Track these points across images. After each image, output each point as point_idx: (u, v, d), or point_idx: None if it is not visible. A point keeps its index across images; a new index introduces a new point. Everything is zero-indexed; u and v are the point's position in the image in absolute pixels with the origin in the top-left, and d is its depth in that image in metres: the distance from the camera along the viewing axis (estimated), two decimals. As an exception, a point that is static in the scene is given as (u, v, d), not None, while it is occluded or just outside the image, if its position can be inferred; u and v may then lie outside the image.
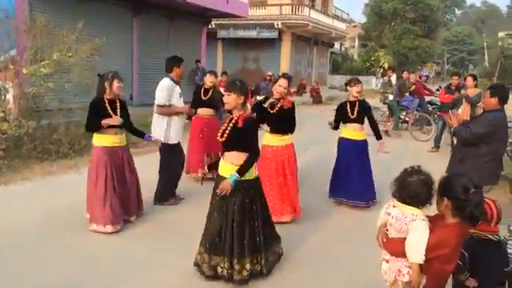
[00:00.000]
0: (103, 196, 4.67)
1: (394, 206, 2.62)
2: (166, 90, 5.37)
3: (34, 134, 7.50)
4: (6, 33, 8.08)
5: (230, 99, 3.56)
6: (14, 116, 7.54)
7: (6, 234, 4.55)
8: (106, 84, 4.70)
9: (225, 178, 3.52)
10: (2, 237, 4.48)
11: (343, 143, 5.80)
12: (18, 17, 8.63)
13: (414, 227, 2.48)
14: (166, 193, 5.72)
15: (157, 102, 5.38)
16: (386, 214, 2.66)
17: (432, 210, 2.57)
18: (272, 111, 4.97)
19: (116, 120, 4.67)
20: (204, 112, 6.79)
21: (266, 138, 5.12)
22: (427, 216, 2.58)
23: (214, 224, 3.65)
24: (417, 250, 2.45)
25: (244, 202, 3.59)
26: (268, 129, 5.11)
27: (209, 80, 6.85)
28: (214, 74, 7.05)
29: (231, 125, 3.58)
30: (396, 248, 2.56)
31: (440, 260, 2.42)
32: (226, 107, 3.65)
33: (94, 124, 4.68)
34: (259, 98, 13.12)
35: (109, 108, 4.70)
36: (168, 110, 5.42)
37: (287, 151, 5.11)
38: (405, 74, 12.76)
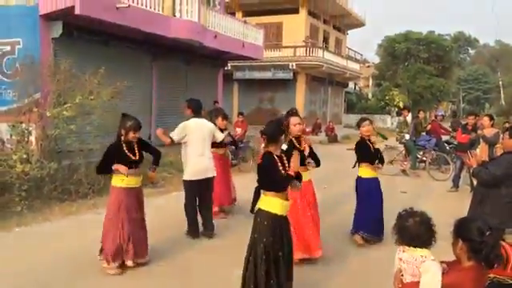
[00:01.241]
0: (116, 233, 4.74)
1: (403, 251, 2.62)
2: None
3: (55, 174, 7.65)
4: (32, 77, 8.42)
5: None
6: (36, 157, 7.72)
7: (23, 273, 4.59)
8: (123, 131, 4.85)
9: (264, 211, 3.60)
10: (20, 276, 4.51)
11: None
12: (43, 62, 8.97)
13: (425, 269, 2.47)
14: (189, 227, 6.02)
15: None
16: (398, 260, 2.66)
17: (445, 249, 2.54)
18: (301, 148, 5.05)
19: (124, 169, 4.75)
20: (217, 151, 7.02)
21: None
22: (444, 262, 2.56)
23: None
24: None
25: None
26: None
27: (221, 123, 7.10)
28: (226, 117, 7.32)
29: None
30: None
31: None
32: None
33: (104, 168, 4.88)
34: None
35: (126, 150, 4.83)
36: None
37: (310, 186, 5.26)
38: (421, 114, 12.80)
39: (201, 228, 6.10)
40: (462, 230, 2.46)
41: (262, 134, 3.77)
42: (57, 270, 4.77)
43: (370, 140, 5.83)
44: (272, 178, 3.61)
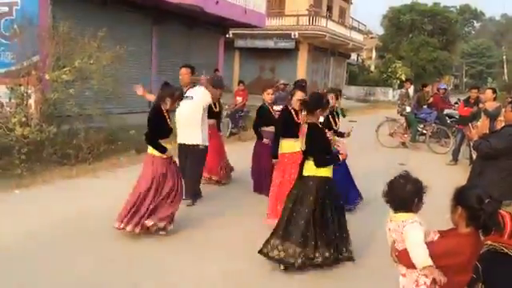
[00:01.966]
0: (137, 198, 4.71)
1: (390, 221, 2.64)
2: None
3: (54, 138, 7.64)
4: (30, 40, 8.28)
5: None
6: (35, 121, 7.70)
7: (23, 235, 4.64)
8: (168, 100, 4.81)
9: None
10: (20, 237, 4.56)
11: None
12: (41, 24, 8.82)
13: (405, 235, 2.50)
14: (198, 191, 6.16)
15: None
16: (388, 231, 2.68)
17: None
18: (298, 120, 5.25)
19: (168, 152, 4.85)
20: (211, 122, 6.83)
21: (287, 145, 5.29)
22: (440, 230, 2.57)
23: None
24: (417, 254, 2.43)
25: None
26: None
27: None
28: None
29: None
30: (407, 259, 2.52)
31: (454, 270, 2.40)
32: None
33: (155, 137, 4.78)
34: (276, 107, 13.13)
35: (167, 117, 4.86)
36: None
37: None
38: (427, 88, 12.65)
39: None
40: (461, 197, 2.47)
41: (305, 104, 4.26)
42: (56, 231, 4.82)
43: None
44: (324, 146, 4.16)
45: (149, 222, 4.70)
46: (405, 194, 2.53)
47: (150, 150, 4.84)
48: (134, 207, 4.67)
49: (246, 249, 4.53)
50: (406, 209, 2.55)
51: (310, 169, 4.15)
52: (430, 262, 2.39)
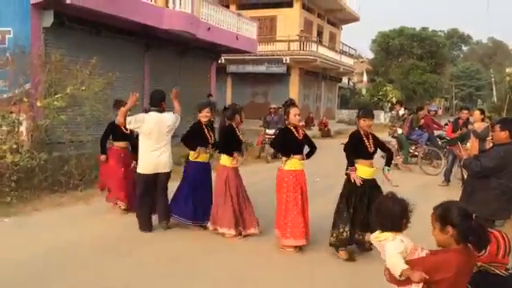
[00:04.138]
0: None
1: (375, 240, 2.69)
2: None
3: (45, 165, 7.59)
4: (22, 67, 8.32)
5: None
6: (26, 148, 7.66)
7: (12, 263, 4.55)
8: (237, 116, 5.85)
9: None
10: (7, 267, 4.47)
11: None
12: (33, 52, 8.87)
13: (386, 253, 2.54)
14: (138, 220, 5.92)
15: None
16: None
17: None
18: (300, 137, 5.30)
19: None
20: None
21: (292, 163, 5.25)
22: (432, 251, 2.56)
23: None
24: (393, 263, 2.46)
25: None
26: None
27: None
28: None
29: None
30: (393, 277, 2.51)
31: (444, 286, 2.36)
32: None
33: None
34: (269, 131, 13.20)
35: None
36: None
37: (304, 176, 5.38)
38: (423, 112, 12.63)
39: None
40: (448, 216, 2.43)
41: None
42: (46, 260, 4.73)
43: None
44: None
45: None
46: (392, 215, 2.53)
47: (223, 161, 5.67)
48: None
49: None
50: (392, 228, 2.56)
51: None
52: (404, 266, 2.40)
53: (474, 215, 2.41)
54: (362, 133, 5.08)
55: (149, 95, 12.74)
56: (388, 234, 2.55)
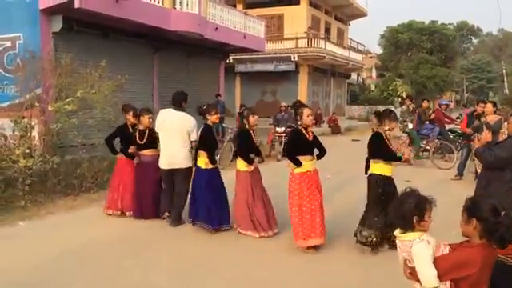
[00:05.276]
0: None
1: (397, 239, 2.62)
2: None
3: (58, 169, 7.65)
4: (33, 72, 8.41)
5: None
6: (39, 152, 7.73)
7: (27, 267, 4.60)
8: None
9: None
10: (23, 270, 4.53)
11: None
12: (43, 57, 8.96)
13: (413, 254, 2.46)
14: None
15: (194, 138, 6.00)
16: (398, 249, 2.64)
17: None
18: (310, 138, 5.26)
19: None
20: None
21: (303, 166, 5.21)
22: (452, 244, 2.53)
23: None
24: (424, 275, 2.39)
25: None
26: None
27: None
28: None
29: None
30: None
31: (468, 282, 2.35)
32: None
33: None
34: (279, 129, 13.20)
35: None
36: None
37: (317, 175, 5.33)
38: (424, 103, 12.71)
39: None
40: (475, 209, 2.41)
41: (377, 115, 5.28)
42: (61, 263, 4.78)
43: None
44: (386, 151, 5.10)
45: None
46: (403, 212, 2.49)
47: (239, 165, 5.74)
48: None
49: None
50: (407, 227, 2.50)
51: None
52: (436, 283, 2.36)
53: (503, 212, 2.35)
54: (383, 135, 5.23)
55: (159, 96, 12.92)
56: (413, 235, 2.49)
